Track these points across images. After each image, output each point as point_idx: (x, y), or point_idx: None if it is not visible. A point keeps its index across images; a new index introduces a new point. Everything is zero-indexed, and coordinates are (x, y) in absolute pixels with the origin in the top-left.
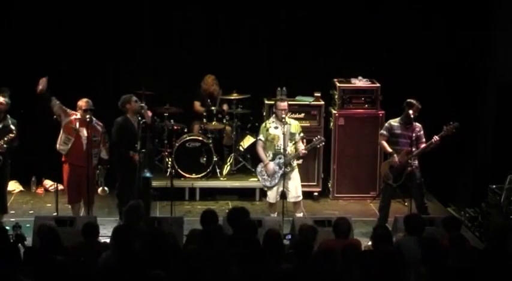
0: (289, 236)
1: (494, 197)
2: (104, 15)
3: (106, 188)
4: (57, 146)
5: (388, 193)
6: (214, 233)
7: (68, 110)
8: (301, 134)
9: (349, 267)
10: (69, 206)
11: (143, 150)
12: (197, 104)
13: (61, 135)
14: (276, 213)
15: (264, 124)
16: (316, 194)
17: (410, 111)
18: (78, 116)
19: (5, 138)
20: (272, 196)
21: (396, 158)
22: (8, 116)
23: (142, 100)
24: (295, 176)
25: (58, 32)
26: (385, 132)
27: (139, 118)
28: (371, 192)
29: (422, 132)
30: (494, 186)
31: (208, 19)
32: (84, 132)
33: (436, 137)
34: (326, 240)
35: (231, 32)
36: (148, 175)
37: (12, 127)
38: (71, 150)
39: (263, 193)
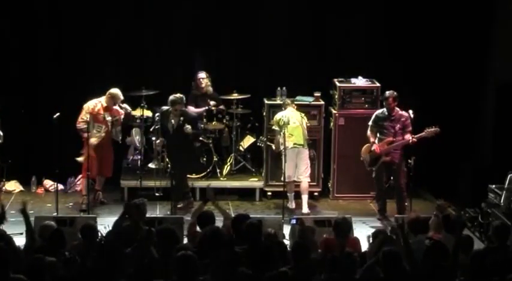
0: (294, 221)
1: (494, 197)
2: (104, 15)
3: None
4: (91, 138)
5: (379, 182)
6: (212, 234)
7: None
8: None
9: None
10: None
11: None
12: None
13: (92, 128)
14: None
15: None
16: (316, 194)
17: (386, 103)
18: (103, 102)
19: None
20: None
21: (375, 146)
22: None
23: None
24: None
25: (57, 31)
26: (371, 123)
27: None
28: (371, 192)
29: (409, 121)
30: (494, 186)
31: (208, 19)
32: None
33: (414, 138)
34: (327, 238)
35: (232, 32)
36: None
37: None
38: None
39: (263, 193)
